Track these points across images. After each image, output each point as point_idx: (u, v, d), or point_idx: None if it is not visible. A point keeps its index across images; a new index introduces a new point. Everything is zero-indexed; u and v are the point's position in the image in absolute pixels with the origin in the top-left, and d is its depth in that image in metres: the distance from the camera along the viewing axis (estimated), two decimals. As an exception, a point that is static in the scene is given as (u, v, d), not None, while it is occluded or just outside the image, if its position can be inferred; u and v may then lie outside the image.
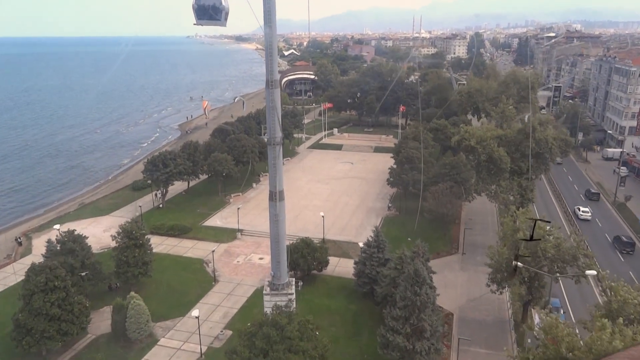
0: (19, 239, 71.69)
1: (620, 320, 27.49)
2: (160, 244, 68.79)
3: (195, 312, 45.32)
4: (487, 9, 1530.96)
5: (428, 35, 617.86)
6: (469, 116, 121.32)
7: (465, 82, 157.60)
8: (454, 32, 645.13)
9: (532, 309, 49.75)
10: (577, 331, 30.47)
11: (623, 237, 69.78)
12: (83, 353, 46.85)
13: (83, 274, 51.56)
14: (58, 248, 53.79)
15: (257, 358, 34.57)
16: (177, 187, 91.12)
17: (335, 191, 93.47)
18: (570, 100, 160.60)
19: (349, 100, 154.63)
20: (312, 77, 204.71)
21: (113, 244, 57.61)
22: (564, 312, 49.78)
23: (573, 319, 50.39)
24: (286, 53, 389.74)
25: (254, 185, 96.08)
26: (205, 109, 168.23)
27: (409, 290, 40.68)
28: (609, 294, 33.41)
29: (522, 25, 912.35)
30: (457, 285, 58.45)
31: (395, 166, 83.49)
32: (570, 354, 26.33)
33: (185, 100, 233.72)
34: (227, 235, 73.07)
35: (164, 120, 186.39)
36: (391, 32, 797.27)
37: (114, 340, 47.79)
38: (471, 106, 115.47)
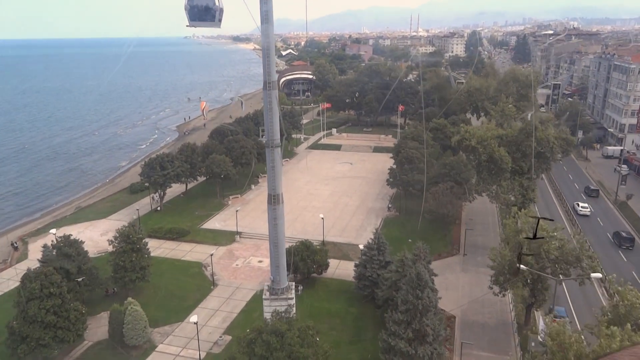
0: (15, 244, 70.92)
1: (629, 326, 26.83)
2: (158, 248, 68.07)
3: (193, 318, 44.49)
4: (485, 7, 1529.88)
5: (426, 34, 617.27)
6: (468, 115, 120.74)
7: (463, 81, 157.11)
8: (451, 30, 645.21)
9: (535, 312, 49.14)
10: (584, 337, 29.75)
11: (623, 233, 69.99)
12: (80, 360, 46.17)
13: (79, 279, 50.75)
14: (54, 253, 53.02)
15: (256, 365, 33.96)
16: (175, 189, 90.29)
17: (334, 192, 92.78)
18: (569, 98, 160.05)
19: (347, 100, 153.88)
20: (310, 77, 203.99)
21: (110, 248, 56.84)
22: (570, 322, 49.06)
23: (577, 321, 49.95)
24: (284, 53, 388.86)
25: (253, 186, 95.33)
26: (203, 110, 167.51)
27: (411, 294, 40.01)
28: (616, 298, 32.65)
29: (519, 23, 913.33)
30: (459, 287, 57.77)
31: (394, 166, 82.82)
32: (579, 361, 25.72)
33: (183, 101, 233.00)
34: (225, 238, 72.36)
35: (162, 122, 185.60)
36: (389, 31, 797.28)
37: (111, 346, 47.06)
38: (471, 105, 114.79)
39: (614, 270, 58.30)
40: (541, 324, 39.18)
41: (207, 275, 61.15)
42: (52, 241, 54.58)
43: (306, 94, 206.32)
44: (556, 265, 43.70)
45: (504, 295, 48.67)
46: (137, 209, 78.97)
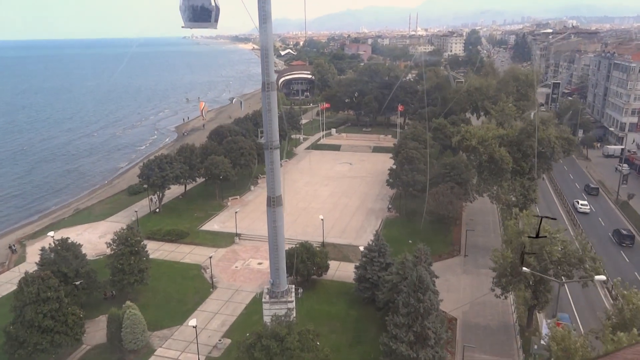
0: (13, 247, 70.40)
1: (635, 330, 26.36)
2: (157, 250, 67.60)
3: (192, 322, 44.06)
4: (484, 6, 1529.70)
5: (424, 33, 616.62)
6: (468, 114, 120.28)
7: (463, 80, 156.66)
8: (450, 29, 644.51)
9: (538, 314, 48.72)
10: (589, 341, 29.31)
11: (622, 230, 70.23)
12: (78, 365, 45.74)
13: (77, 283, 50.31)
14: (52, 256, 52.52)
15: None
16: (174, 190, 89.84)
17: (334, 192, 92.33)
18: (569, 97, 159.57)
19: (346, 100, 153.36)
20: (310, 76, 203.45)
21: (109, 250, 56.31)
22: (575, 330, 48.60)
23: (580, 324, 49.52)
24: (283, 53, 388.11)
25: (252, 187, 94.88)
26: (202, 111, 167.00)
27: (412, 297, 39.56)
28: (621, 301, 32.16)
29: (518, 22, 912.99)
30: (460, 288, 57.32)
31: (394, 167, 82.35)
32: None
33: (182, 101, 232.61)
34: (225, 239, 71.87)
35: (161, 122, 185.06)
36: (388, 31, 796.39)
37: (109, 351, 46.53)
38: (470, 104, 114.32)
39: (614, 268, 58.31)
40: (544, 328, 38.74)
41: (206, 278, 60.69)
42: (50, 244, 54.07)
43: (305, 94, 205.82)
44: (559, 267, 43.24)
45: (505, 298, 48.23)
46: (136, 211, 78.45)
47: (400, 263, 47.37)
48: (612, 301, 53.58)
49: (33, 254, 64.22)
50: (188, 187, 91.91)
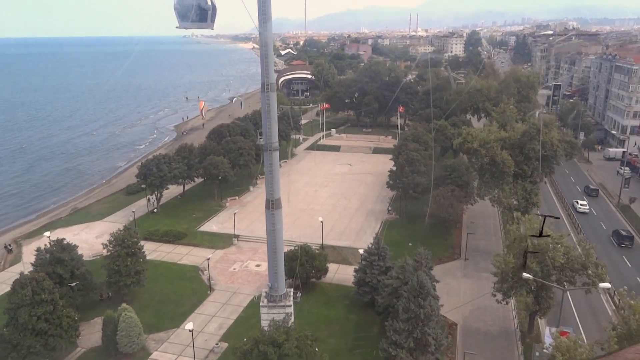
0: (8, 247, 69.65)
1: (641, 341, 25.75)
2: (154, 251, 66.91)
3: (189, 325, 43.35)
4: (484, 7, 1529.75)
5: (425, 34, 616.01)
6: (469, 116, 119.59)
7: (463, 81, 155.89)
8: (450, 30, 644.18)
9: (539, 320, 48.10)
10: (594, 352, 28.67)
11: (622, 231, 70.51)
12: (72, 368, 45.06)
13: (73, 284, 49.58)
14: (47, 257, 51.78)
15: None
16: (172, 190, 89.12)
17: (333, 194, 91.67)
18: (570, 100, 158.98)
19: (346, 101, 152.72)
20: (310, 76, 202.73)
21: (105, 251, 55.63)
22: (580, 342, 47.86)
23: (582, 329, 48.89)
24: (283, 52, 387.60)
25: (251, 188, 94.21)
26: (202, 110, 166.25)
27: (413, 303, 38.93)
28: (626, 312, 31.46)
29: (518, 23, 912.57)
30: (460, 293, 56.66)
31: (394, 168, 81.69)
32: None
33: (182, 100, 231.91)
34: (223, 241, 71.19)
35: (161, 122, 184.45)
36: (388, 31, 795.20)
37: (104, 354, 45.85)
38: (471, 106, 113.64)
39: (613, 269, 57.68)
40: (548, 337, 38.11)
41: (204, 280, 60.00)
42: (46, 245, 53.31)
43: (305, 94, 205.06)
44: (561, 273, 42.58)
45: (507, 303, 47.60)
46: (133, 211, 77.68)
47: (401, 267, 46.71)
48: (614, 307, 53.05)
49: (29, 254, 63.44)
50: (186, 187, 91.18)
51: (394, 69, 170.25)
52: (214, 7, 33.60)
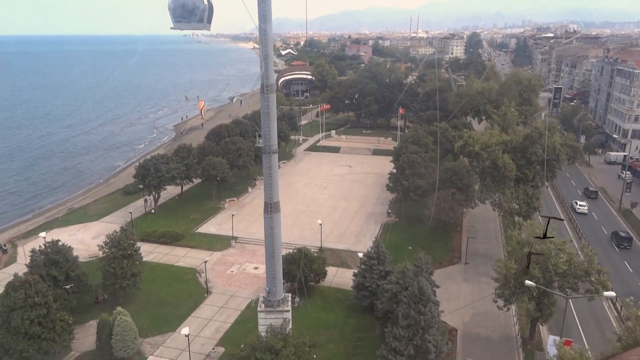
0: (4, 247, 68.86)
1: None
2: (151, 252, 66.17)
3: (185, 330, 42.59)
4: (484, 9, 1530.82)
5: (425, 35, 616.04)
6: (469, 118, 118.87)
7: (464, 83, 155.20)
8: (451, 32, 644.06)
9: (541, 326, 47.42)
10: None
11: (621, 233, 71.26)
12: (66, 372, 44.33)
13: (67, 287, 48.82)
14: (42, 258, 51.02)
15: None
16: (171, 191, 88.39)
17: (333, 196, 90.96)
18: (571, 102, 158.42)
19: (346, 102, 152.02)
20: (310, 77, 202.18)
21: (101, 253, 54.89)
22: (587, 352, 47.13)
23: (582, 334, 48.27)
24: (283, 52, 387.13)
25: (250, 189, 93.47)
26: (201, 110, 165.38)
27: (413, 309, 38.25)
28: (632, 322, 30.74)
29: (519, 25, 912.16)
30: (461, 297, 55.96)
31: (394, 171, 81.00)
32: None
33: (182, 100, 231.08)
34: (221, 242, 70.45)
35: (160, 121, 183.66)
36: (388, 32, 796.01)
37: (99, 358, 45.14)
38: (472, 108, 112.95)
39: (612, 269, 56.73)
40: (551, 346, 37.41)
41: (201, 282, 59.28)
42: (40, 246, 52.56)
43: (305, 94, 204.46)
44: (564, 280, 41.90)
45: (508, 309, 46.93)
46: (131, 212, 76.92)
47: (401, 272, 45.97)
48: (616, 314, 52.42)
49: (24, 254, 62.80)
50: (185, 187, 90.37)
51: (395, 71, 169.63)
52: (210, 7, 32.30)
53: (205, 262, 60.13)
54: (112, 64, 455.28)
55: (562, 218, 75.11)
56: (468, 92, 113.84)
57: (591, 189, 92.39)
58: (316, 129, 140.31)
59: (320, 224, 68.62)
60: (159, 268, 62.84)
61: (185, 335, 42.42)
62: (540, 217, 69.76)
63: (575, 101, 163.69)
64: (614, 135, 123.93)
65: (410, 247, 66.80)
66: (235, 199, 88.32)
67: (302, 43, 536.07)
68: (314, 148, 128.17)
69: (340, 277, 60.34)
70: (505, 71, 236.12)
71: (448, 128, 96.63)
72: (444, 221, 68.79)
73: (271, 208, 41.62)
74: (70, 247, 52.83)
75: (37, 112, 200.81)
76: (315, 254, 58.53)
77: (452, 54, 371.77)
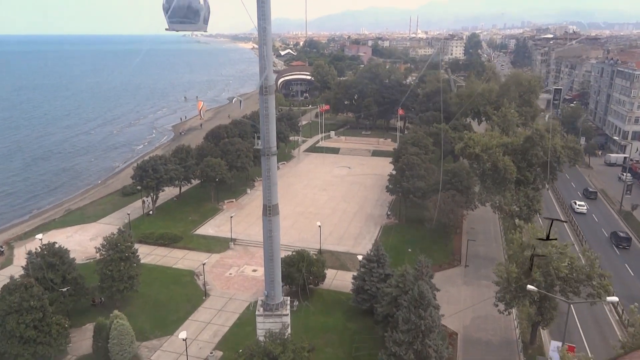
0: (0, 248, 68.28)
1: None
2: (148, 254, 65.70)
3: (182, 334, 42.09)
4: (483, 10, 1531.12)
5: (424, 36, 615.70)
6: (469, 119, 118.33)
7: (463, 84, 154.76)
8: (450, 32, 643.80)
9: (542, 330, 46.97)
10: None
11: (620, 233, 71.70)
12: (62, 377, 43.81)
13: (64, 289, 48.30)
14: (38, 261, 50.48)
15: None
16: (169, 192, 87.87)
17: (332, 197, 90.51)
18: (570, 104, 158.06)
19: (346, 102, 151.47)
20: (309, 78, 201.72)
21: (98, 255, 54.38)
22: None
23: (584, 338, 47.87)
24: (282, 53, 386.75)
25: (249, 190, 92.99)
26: (200, 110, 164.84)
27: (413, 314, 37.83)
28: (635, 328, 30.29)
29: (518, 26, 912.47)
30: (461, 301, 55.49)
31: (394, 172, 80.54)
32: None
33: (181, 100, 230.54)
34: (219, 244, 69.94)
35: (159, 121, 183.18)
36: (388, 32, 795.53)
37: (95, 362, 44.64)
38: (472, 110, 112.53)
39: (611, 269, 56.42)
40: (553, 351, 36.95)
41: (199, 285, 58.75)
42: (37, 248, 52.03)
43: (304, 95, 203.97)
44: (566, 284, 41.47)
45: (509, 314, 46.50)
46: (128, 213, 76.41)
47: (401, 276, 45.49)
48: (617, 318, 52.00)
49: (20, 256, 62.29)
50: (183, 189, 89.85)
51: (394, 71, 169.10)
52: (207, 7, 31.13)
53: (204, 264, 59.77)
54: (112, 64, 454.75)
55: (565, 220, 74.84)
56: (469, 93, 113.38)
57: (590, 189, 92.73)
58: (315, 130, 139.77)
59: (319, 226, 68.13)
60: (157, 270, 62.29)
61: (183, 340, 41.94)
62: (540, 220, 69.60)
63: (575, 102, 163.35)
64: (614, 137, 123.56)
65: (409, 250, 66.39)
66: (234, 200, 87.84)
67: (301, 43, 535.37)
68: (313, 149, 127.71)
69: (339, 280, 59.85)
70: (505, 72, 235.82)
71: (448, 129, 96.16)
72: (444, 223, 68.36)
73: (270, 211, 41.13)
74: (67, 249, 52.31)
75: (36, 112, 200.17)
76: (315, 257, 58.00)
77: (451, 54, 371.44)
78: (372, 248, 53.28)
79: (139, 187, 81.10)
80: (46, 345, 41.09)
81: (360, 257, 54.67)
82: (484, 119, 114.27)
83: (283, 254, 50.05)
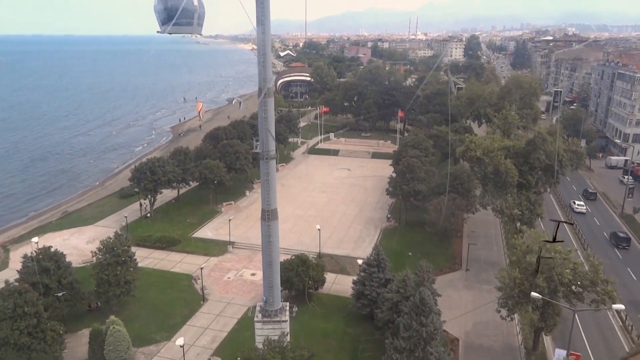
0: (-4, 251, 67.57)
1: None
2: (146, 258, 64.90)
3: (180, 341, 41.35)
4: (482, 12, 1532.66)
5: (424, 37, 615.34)
6: (469, 121, 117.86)
7: (463, 86, 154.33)
8: (450, 34, 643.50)
9: (544, 336, 46.31)
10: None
11: (619, 233, 72.32)
12: (57, 384, 42.99)
13: (59, 294, 47.54)
14: (33, 265, 49.70)
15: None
16: (167, 194, 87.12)
17: (331, 200, 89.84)
18: (571, 106, 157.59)
19: (345, 104, 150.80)
20: (309, 79, 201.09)
21: (95, 259, 53.63)
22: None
23: (588, 347, 47.23)
24: (282, 54, 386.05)
25: (247, 193, 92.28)
26: (199, 111, 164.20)
27: (414, 320, 37.19)
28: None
29: (517, 28, 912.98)
30: (462, 305, 54.82)
31: (394, 175, 79.92)
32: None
33: (180, 101, 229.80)
34: (218, 247, 69.22)
35: (158, 122, 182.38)
36: (387, 34, 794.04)
37: (91, 368, 43.86)
38: (472, 112, 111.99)
39: (612, 270, 55.94)
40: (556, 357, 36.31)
41: (197, 289, 57.99)
42: (32, 252, 51.28)
43: (304, 96, 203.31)
44: (569, 289, 40.81)
45: (511, 319, 45.83)
46: (125, 216, 75.60)
47: (401, 281, 44.82)
48: (621, 323, 51.37)
49: (16, 259, 61.20)
50: (181, 191, 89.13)
51: (394, 73, 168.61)
52: (202, 8, 29.87)
53: (202, 268, 58.98)
54: (112, 65, 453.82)
55: (573, 222, 74.80)
56: (469, 95, 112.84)
57: (590, 190, 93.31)
58: (315, 132, 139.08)
59: (318, 229, 67.40)
60: (154, 274, 61.52)
61: (180, 346, 41.21)
62: (542, 224, 68.96)
63: (575, 104, 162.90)
64: (615, 140, 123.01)
65: (410, 253, 65.78)
66: (233, 202, 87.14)
67: (301, 44, 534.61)
68: (312, 151, 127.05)
69: (339, 284, 59.13)
70: (504, 74, 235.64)
71: (449, 132, 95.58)
72: (445, 227, 67.72)
73: (268, 215, 40.43)
74: (62, 253, 51.53)
75: (35, 113, 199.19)
76: (314, 261, 57.30)
77: (451, 56, 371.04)
78: (372, 252, 52.63)
79: (136, 190, 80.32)
80: (41, 352, 40.39)
81: (360, 261, 54.03)
82: (484, 121, 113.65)
83: (282, 258, 49.37)
